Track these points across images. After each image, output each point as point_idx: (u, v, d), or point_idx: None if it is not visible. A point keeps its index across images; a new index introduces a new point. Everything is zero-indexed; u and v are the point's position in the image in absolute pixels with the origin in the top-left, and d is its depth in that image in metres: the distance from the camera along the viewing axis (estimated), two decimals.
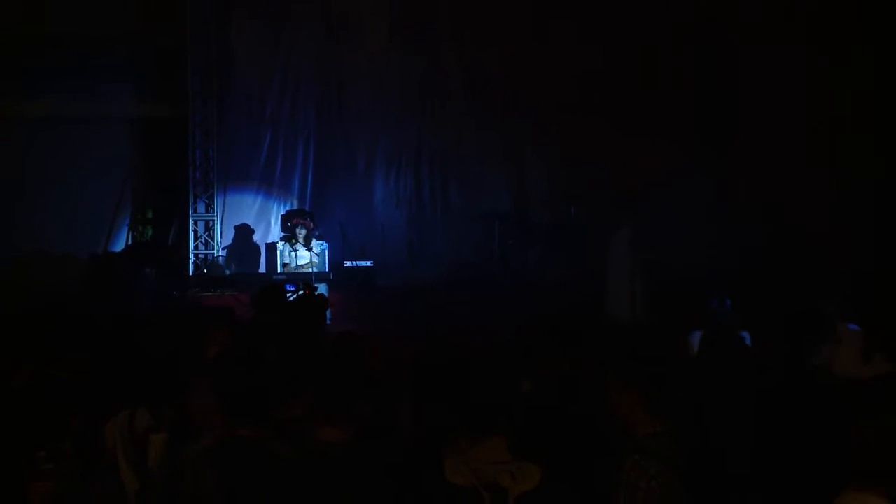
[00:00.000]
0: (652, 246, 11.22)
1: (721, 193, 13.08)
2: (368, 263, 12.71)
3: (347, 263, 12.65)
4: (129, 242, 13.02)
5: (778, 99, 13.06)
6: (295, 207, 13.15)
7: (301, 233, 11.84)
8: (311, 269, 11.72)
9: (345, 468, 3.58)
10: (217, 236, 13.13)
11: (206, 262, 12.97)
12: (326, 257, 12.46)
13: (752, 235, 12.51)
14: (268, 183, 13.36)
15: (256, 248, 13.22)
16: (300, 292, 8.98)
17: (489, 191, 13.50)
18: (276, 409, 3.87)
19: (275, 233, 13.01)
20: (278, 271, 11.96)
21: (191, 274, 12.86)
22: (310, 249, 11.79)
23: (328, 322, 11.34)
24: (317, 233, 12.60)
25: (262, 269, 12.94)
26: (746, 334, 6.67)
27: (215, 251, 13.09)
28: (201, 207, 13.10)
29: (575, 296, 11.43)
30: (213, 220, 13.10)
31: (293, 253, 11.78)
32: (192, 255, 12.98)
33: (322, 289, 11.58)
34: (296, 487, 3.57)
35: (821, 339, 5.19)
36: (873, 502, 3.00)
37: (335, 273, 12.26)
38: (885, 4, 12.82)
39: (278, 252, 12.15)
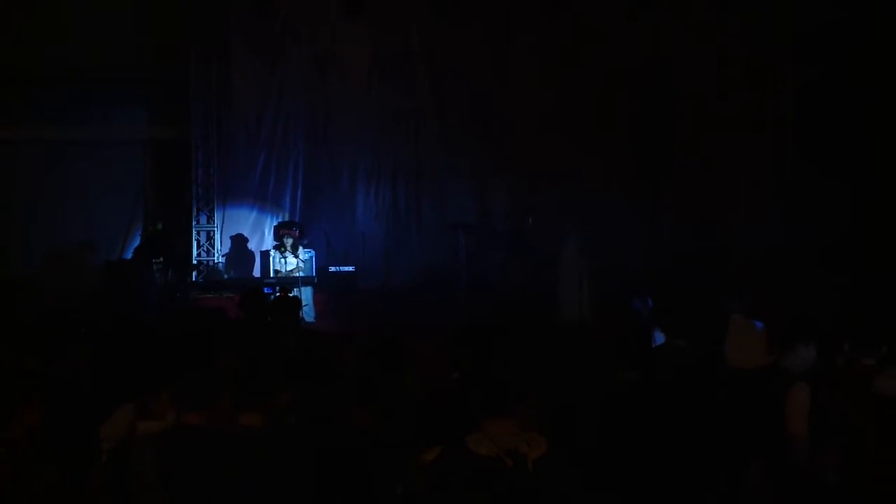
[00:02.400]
0: (597, 253, 12.62)
1: (657, 212, 14.48)
2: (350, 268, 13.83)
3: (332, 268, 13.77)
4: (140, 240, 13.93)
5: (710, 132, 14.49)
6: (286, 220, 14.22)
7: (288, 242, 13.11)
8: (297, 274, 13.00)
9: (266, 452, 3.83)
10: (217, 245, 14.24)
11: (208, 267, 14.18)
12: (314, 263, 13.67)
13: (684, 247, 13.88)
14: (262, 198, 14.43)
15: (252, 255, 14.27)
16: (277, 294, 10.09)
17: (457, 204, 14.52)
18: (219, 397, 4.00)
19: (268, 242, 14.05)
20: (270, 276, 13.18)
21: (193, 279, 14.02)
22: (296, 256, 13.02)
23: (312, 320, 12.91)
24: (305, 242, 13.83)
25: (257, 273, 13.96)
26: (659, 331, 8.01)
27: (215, 258, 14.22)
28: (203, 220, 14.22)
29: (531, 298, 12.73)
30: (214, 231, 14.22)
31: (283, 260, 13.12)
32: (195, 262, 14.16)
33: (307, 291, 13.07)
34: (225, 471, 3.77)
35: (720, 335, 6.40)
36: (509, 422, 3.55)
37: (321, 277, 13.48)
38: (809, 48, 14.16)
39: (270, 259, 13.37)
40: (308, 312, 12.93)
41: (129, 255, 13.99)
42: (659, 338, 6.14)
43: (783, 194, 14.38)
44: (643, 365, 5.33)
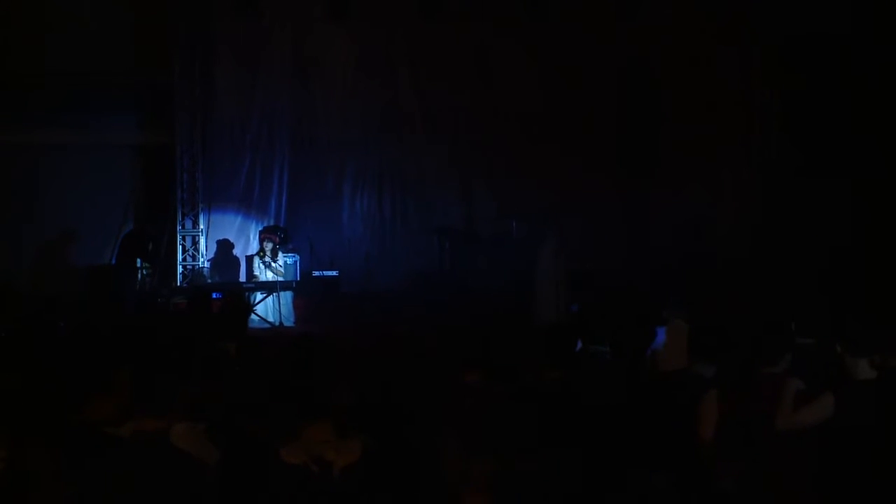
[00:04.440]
0: (574, 257, 12.62)
1: (643, 214, 14.44)
2: (334, 273, 13.79)
3: (316, 273, 13.73)
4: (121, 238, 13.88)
5: (695, 131, 14.43)
6: (271, 224, 14.25)
7: (268, 246, 13.18)
8: (276, 279, 13.09)
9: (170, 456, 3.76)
10: (202, 249, 14.28)
11: (192, 272, 14.21)
12: (298, 268, 13.75)
13: (670, 250, 13.84)
14: (247, 203, 14.45)
15: (237, 260, 14.28)
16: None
17: (441, 209, 14.59)
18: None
19: (254, 247, 14.00)
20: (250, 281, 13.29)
21: (178, 283, 14.02)
22: (274, 261, 13.13)
23: (292, 324, 12.99)
24: (290, 246, 14.00)
25: (243, 278, 13.84)
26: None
27: (200, 263, 14.27)
28: (188, 224, 14.23)
29: (511, 301, 12.72)
30: (199, 236, 14.27)
31: (261, 266, 13.17)
32: (180, 266, 14.17)
33: (287, 295, 13.18)
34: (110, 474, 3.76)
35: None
36: (326, 428, 3.61)
37: (304, 281, 13.52)
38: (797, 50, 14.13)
39: (253, 265, 13.43)
40: (287, 316, 13.06)
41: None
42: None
43: (770, 197, 14.27)
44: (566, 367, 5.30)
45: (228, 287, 12.60)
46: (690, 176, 14.50)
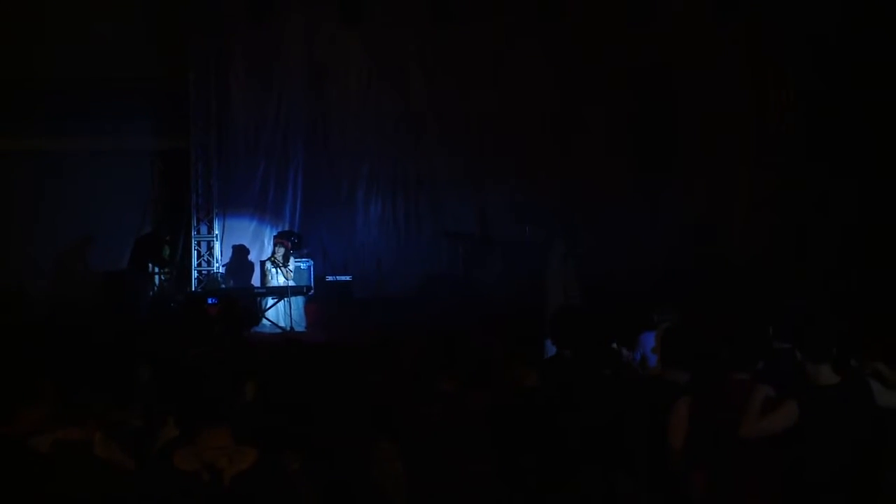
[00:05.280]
0: (584, 258, 12.52)
1: (657, 217, 14.27)
2: (347, 278, 13.88)
3: (329, 278, 13.84)
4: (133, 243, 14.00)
5: (713, 134, 14.30)
6: (285, 229, 14.25)
7: (279, 251, 13.24)
8: (287, 284, 13.10)
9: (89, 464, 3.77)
10: (217, 255, 14.35)
11: (207, 277, 14.24)
12: (312, 273, 13.83)
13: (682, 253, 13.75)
14: (262, 208, 14.48)
15: (251, 265, 14.30)
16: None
17: (455, 213, 14.54)
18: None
19: (268, 252, 14.00)
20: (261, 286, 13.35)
21: (193, 288, 14.11)
22: (285, 266, 13.14)
23: (304, 329, 13.02)
24: (305, 251, 14.10)
25: (257, 283, 13.92)
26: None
27: (215, 268, 14.31)
28: (203, 230, 14.32)
29: (524, 306, 12.75)
30: (214, 241, 14.35)
31: (274, 271, 13.21)
32: (195, 272, 14.25)
33: (298, 301, 13.21)
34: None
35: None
36: (223, 434, 3.49)
37: (318, 286, 13.61)
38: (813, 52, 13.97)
39: (266, 268, 13.52)
40: (299, 321, 13.08)
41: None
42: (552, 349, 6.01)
43: (786, 199, 14.10)
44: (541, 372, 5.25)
45: (224, 293, 12.68)
46: (704, 178, 14.38)
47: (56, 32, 14.37)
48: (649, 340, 7.39)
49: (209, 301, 10.18)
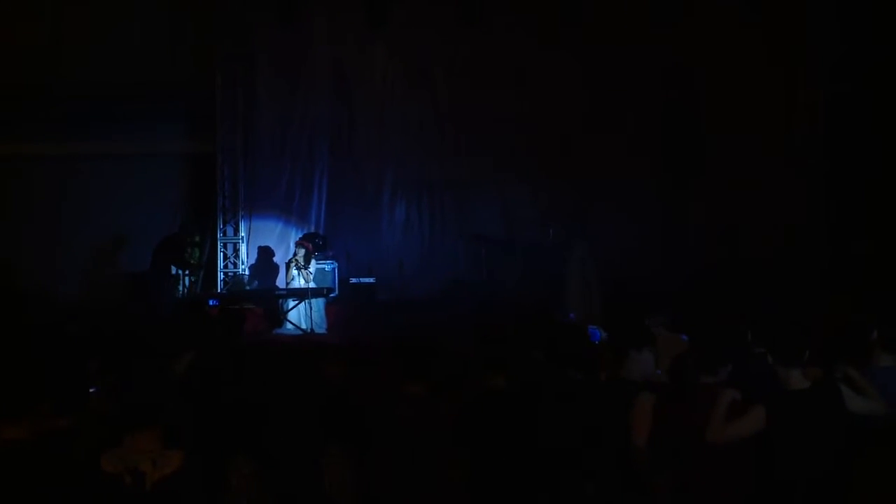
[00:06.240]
0: (603, 262, 12.52)
1: (682, 220, 14.25)
2: (371, 280, 13.92)
3: (353, 280, 13.94)
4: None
5: (737, 139, 14.11)
6: (311, 231, 14.38)
7: (300, 252, 13.30)
8: (308, 285, 13.16)
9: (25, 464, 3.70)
10: (243, 256, 14.52)
11: (232, 278, 14.40)
12: (336, 275, 13.95)
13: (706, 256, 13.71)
14: (287, 210, 14.64)
15: (277, 267, 14.41)
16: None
17: (478, 216, 14.57)
18: None
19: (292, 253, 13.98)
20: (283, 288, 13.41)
21: (219, 290, 14.28)
22: (306, 268, 13.22)
23: (324, 331, 13.08)
24: (330, 253, 14.20)
25: (282, 284, 13.86)
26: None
27: (241, 269, 14.48)
28: (230, 231, 14.51)
29: (548, 307, 12.70)
30: (240, 243, 14.52)
31: (296, 272, 13.33)
32: (220, 273, 14.44)
33: (319, 303, 13.27)
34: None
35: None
36: (151, 436, 3.50)
37: (342, 288, 13.73)
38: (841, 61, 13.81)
39: (289, 270, 13.48)
40: (319, 323, 13.14)
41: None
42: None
43: (810, 205, 13.95)
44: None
45: (223, 297, 12.80)
46: (731, 183, 14.19)
47: (85, 37, 14.68)
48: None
49: (210, 303, 10.26)
